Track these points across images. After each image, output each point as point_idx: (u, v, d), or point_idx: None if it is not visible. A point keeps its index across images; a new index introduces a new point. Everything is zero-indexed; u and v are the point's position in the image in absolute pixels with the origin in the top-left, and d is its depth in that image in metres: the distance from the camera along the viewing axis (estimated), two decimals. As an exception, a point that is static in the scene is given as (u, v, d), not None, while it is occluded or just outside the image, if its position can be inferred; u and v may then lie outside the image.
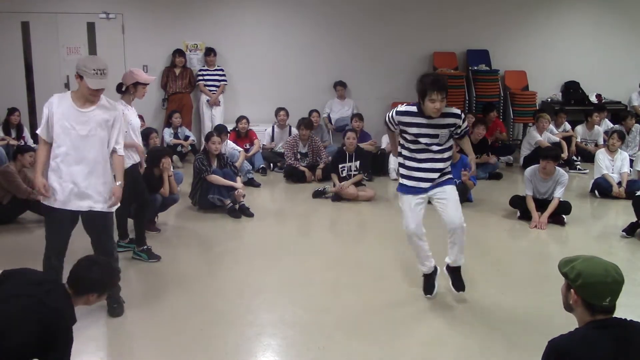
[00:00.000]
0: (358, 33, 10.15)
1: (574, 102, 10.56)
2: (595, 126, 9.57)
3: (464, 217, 4.10)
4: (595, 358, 2.09)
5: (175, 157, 8.44)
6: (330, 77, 10.03)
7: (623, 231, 5.90)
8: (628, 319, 2.22)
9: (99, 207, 3.79)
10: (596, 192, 7.42)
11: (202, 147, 7.40)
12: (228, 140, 8.13)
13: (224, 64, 9.77)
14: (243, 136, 8.84)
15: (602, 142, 9.21)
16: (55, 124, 3.68)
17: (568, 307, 2.28)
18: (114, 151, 3.86)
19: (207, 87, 9.56)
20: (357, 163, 7.37)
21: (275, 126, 9.18)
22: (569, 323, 2.38)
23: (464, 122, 4.06)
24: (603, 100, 10.56)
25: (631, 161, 7.71)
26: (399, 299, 4.36)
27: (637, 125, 9.36)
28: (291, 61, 10.07)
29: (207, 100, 9.54)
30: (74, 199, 3.73)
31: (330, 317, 4.06)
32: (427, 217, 4.20)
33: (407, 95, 10.19)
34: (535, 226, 6.13)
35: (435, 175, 4.03)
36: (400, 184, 4.17)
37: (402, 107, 4.03)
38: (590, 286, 2.16)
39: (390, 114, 4.09)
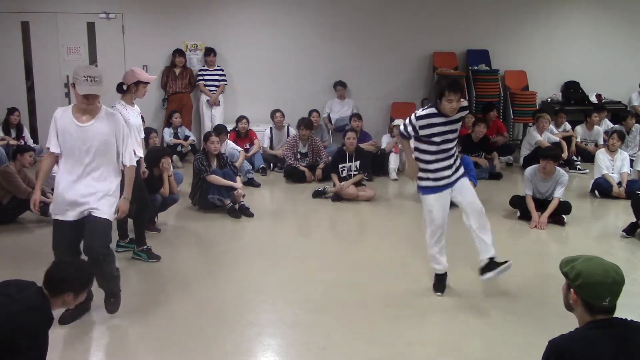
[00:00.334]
0: (358, 33, 10.14)
1: (574, 102, 10.56)
2: (595, 126, 9.56)
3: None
4: (595, 358, 2.09)
5: (175, 157, 8.44)
6: (330, 77, 10.02)
7: (623, 231, 5.90)
8: (628, 319, 2.22)
9: (98, 213, 3.76)
10: (596, 192, 7.41)
11: (201, 147, 7.40)
12: (228, 140, 8.13)
13: (224, 64, 9.77)
14: (243, 136, 8.84)
15: (602, 142, 9.19)
16: (59, 137, 3.74)
17: (568, 307, 2.29)
18: (123, 164, 3.89)
19: (207, 87, 9.56)
20: (357, 163, 7.36)
21: (272, 128, 9.08)
22: (569, 323, 2.38)
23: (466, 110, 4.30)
24: (603, 100, 10.55)
25: (631, 161, 7.70)
26: (399, 299, 4.36)
27: (637, 125, 9.33)
28: (291, 61, 10.06)
29: (207, 100, 9.54)
30: (76, 209, 3.75)
31: (330, 317, 4.06)
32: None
33: (407, 95, 10.26)
34: (535, 226, 6.13)
35: (450, 171, 4.24)
36: (421, 187, 4.32)
37: (420, 112, 4.21)
38: (590, 286, 2.16)
39: (407, 122, 4.21)
